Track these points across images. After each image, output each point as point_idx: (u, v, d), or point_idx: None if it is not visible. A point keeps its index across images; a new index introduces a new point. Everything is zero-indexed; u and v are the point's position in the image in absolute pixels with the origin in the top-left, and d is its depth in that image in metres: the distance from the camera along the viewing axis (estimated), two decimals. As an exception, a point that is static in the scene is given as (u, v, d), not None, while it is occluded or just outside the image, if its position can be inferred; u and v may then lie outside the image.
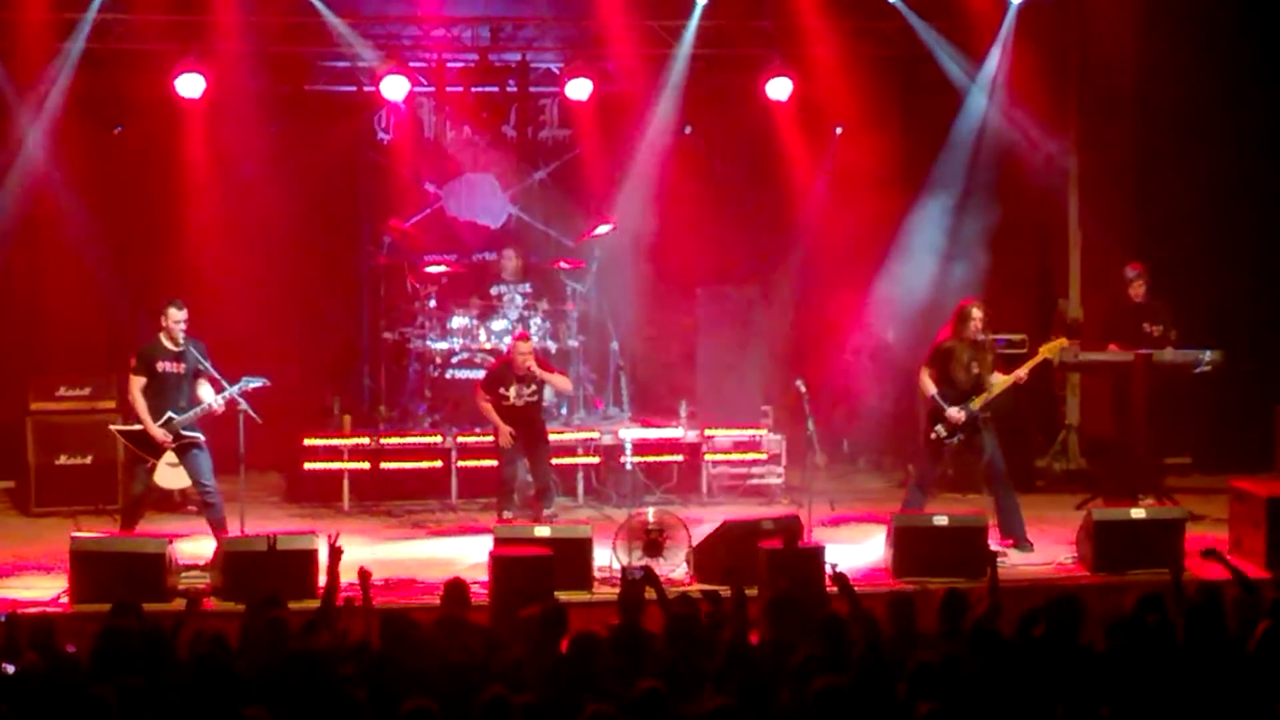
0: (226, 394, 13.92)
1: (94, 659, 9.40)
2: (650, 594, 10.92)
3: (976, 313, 14.64)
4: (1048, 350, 15.12)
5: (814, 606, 10.39)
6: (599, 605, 12.60)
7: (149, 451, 14.06)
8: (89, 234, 17.32)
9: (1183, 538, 14.08)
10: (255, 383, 14.05)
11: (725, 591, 10.88)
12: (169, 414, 13.97)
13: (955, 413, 14.60)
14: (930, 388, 14.77)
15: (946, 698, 8.34)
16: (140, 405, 14.05)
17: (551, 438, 16.74)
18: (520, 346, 15.27)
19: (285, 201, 17.62)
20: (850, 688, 8.24)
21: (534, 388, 15.30)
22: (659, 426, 17.37)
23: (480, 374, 17.13)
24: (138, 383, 14.09)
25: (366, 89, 18.12)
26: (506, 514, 15.08)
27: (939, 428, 14.71)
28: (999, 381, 14.67)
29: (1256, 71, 18.15)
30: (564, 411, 17.67)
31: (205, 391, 14.03)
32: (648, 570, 11.37)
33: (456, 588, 10.98)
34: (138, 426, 14.05)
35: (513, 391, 15.20)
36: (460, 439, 16.84)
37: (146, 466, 14.17)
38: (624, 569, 12.67)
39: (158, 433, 13.94)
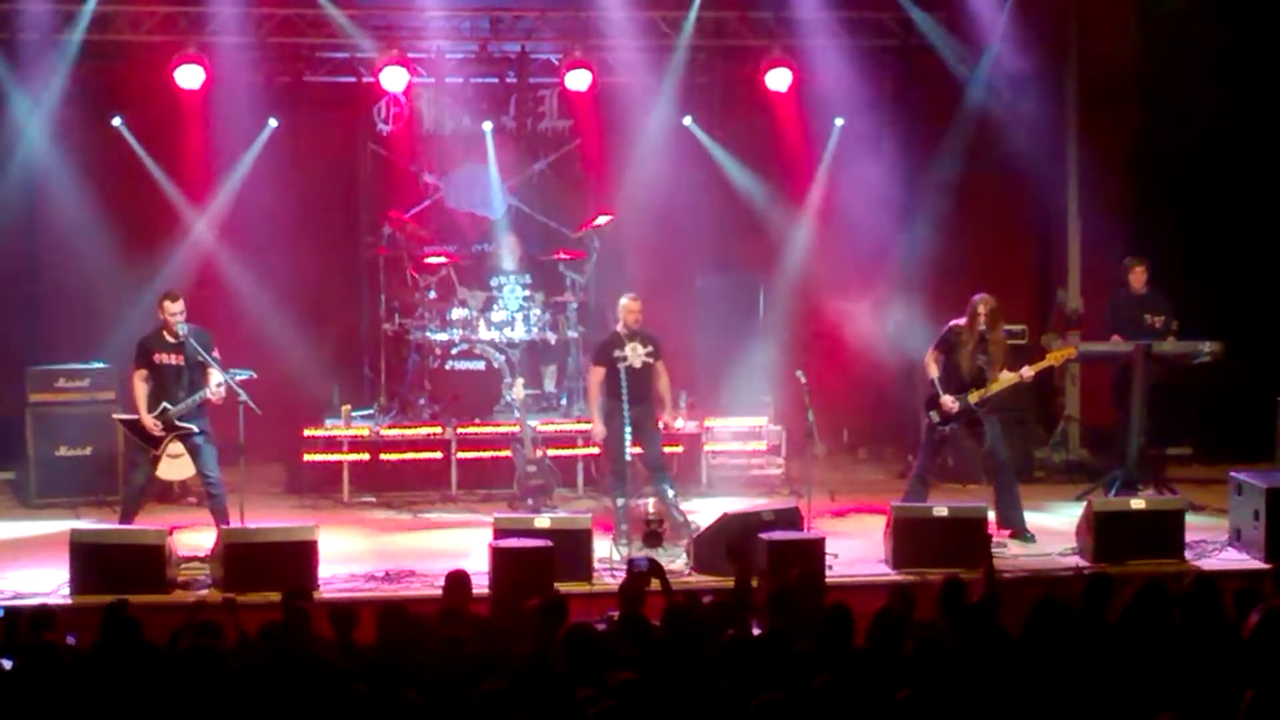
0: (219, 383, 13.92)
1: (96, 651, 9.43)
2: (654, 585, 10.95)
3: (980, 308, 14.65)
4: (1054, 358, 15.22)
5: (815, 599, 10.38)
6: (598, 596, 12.62)
7: (150, 441, 14.09)
8: (88, 225, 17.32)
9: (1182, 528, 14.12)
10: (240, 375, 14.07)
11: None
12: (164, 405, 14.01)
13: (949, 401, 14.63)
14: (933, 370, 14.81)
15: (935, 685, 8.36)
16: (139, 396, 14.08)
17: (550, 429, 16.79)
18: (630, 305, 14.99)
19: (285, 192, 17.62)
20: (851, 681, 8.24)
21: (651, 348, 14.97)
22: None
23: (479, 365, 17.16)
24: (139, 374, 14.12)
25: (366, 80, 18.13)
26: (620, 500, 14.64)
27: (932, 413, 14.76)
28: (1002, 379, 14.66)
29: (1256, 60, 18.12)
30: (564, 402, 17.68)
31: (212, 381, 14.03)
32: (653, 562, 11.38)
33: (458, 579, 10.99)
34: (137, 416, 14.08)
35: (628, 351, 14.89)
36: (460, 430, 16.84)
37: (150, 457, 14.18)
38: (630, 560, 12.69)
39: (149, 422, 13.96)
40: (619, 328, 15.05)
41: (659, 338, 15.21)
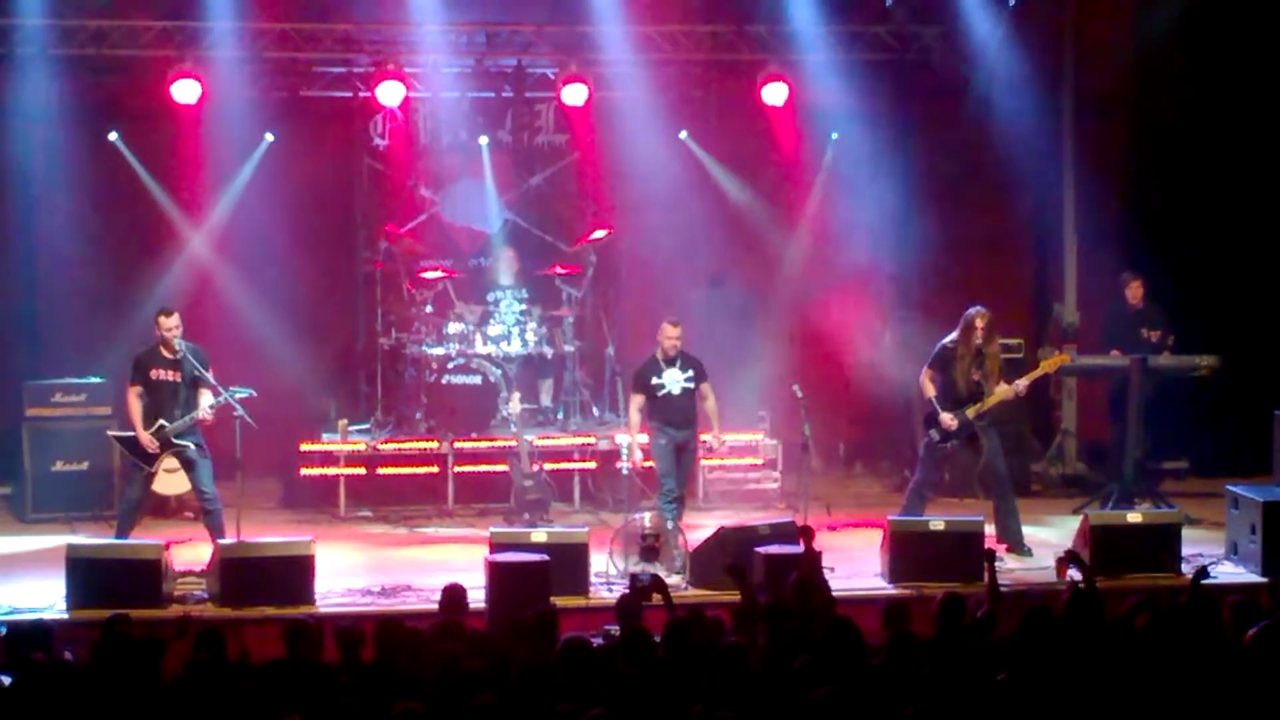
0: (212, 405, 13.93)
1: (91, 666, 9.41)
2: (654, 600, 10.94)
3: (978, 322, 14.65)
4: (1047, 365, 15.25)
5: (812, 612, 10.36)
6: (595, 610, 12.61)
7: (144, 458, 14.06)
8: (85, 239, 17.33)
9: (1179, 542, 14.12)
10: (241, 393, 14.04)
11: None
12: (161, 422, 13.97)
13: (948, 418, 14.63)
14: (929, 390, 14.81)
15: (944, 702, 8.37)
16: (134, 412, 14.04)
17: (547, 443, 16.78)
18: (669, 331, 14.67)
19: (281, 207, 17.62)
20: (850, 695, 8.24)
21: (690, 372, 14.69)
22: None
23: (475, 379, 17.16)
24: (134, 390, 14.09)
25: (362, 94, 18.13)
26: (669, 524, 14.27)
27: (932, 431, 14.77)
28: (998, 392, 14.67)
29: (1252, 72, 18.15)
30: (560, 417, 17.67)
31: (203, 399, 14.03)
32: (656, 577, 11.37)
33: (454, 593, 10.98)
34: (133, 433, 14.05)
35: (666, 377, 14.66)
36: (456, 444, 16.83)
37: (145, 473, 14.16)
38: (633, 575, 12.69)
39: (146, 439, 13.94)
40: (657, 353, 14.80)
41: (700, 360, 14.96)
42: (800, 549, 13.07)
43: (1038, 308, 19.12)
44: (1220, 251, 18.21)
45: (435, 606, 11.30)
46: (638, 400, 14.81)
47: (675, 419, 14.70)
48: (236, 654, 10.00)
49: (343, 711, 8.22)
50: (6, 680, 9.19)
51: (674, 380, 14.71)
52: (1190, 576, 10.76)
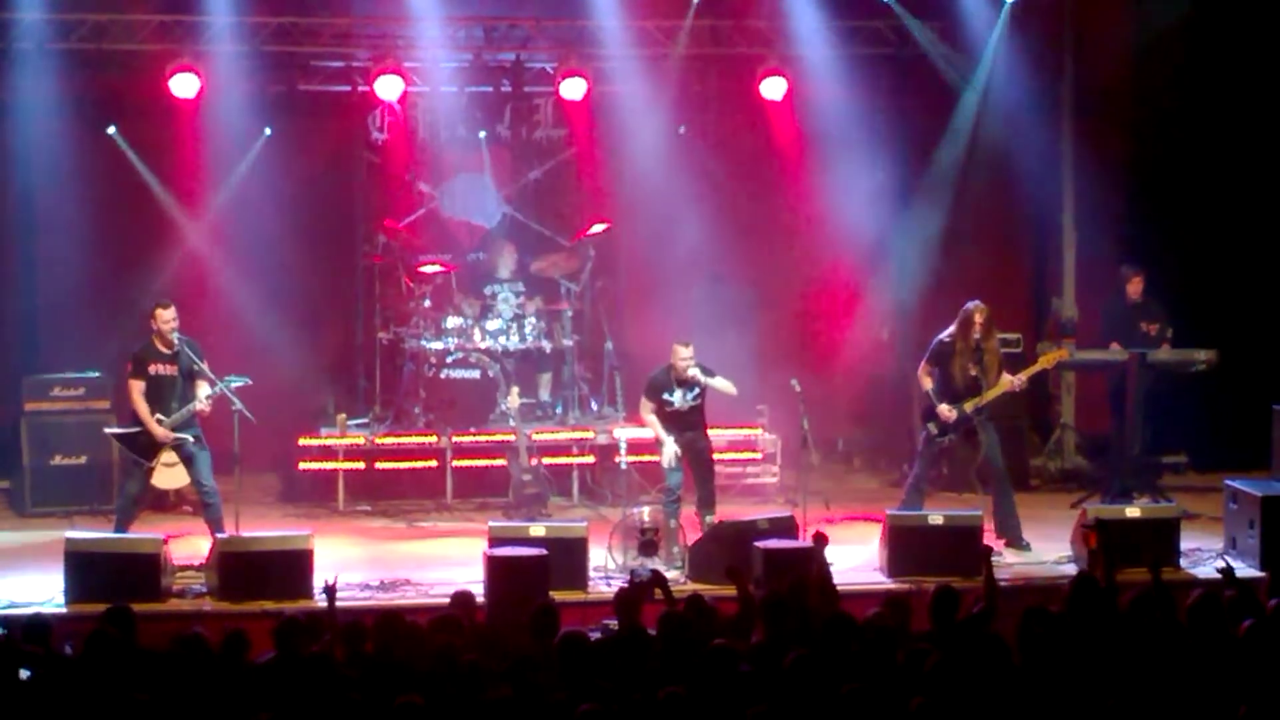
0: (209, 395, 13.91)
1: (82, 661, 9.42)
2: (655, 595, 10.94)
3: (977, 317, 14.65)
4: (1046, 361, 15.25)
5: (810, 607, 10.36)
6: (593, 605, 12.62)
7: (143, 454, 14.05)
8: (83, 234, 17.31)
9: (1178, 536, 14.12)
10: (237, 382, 14.04)
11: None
12: (159, 416, 13.96)
13: (946, 411, 14.64)
14: (927, 384, 14.83)
15: (940, 695, 8.37)
16: (142, 408, 14.00)
17: (546, 437, 16.80)
18: (680, 352, 14.63)
19: (279, 201, 17.61)
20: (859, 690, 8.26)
21: (697, 391, 14.73)
22: (654, 426, 17.34)
23: (474, 374, 17.17)
24: (137, 386, 14.03)
25: (361, 89, 18.11)
26: (672, 523, 14.41)
27: (930, 425, 14.79)
28: (998, 385, 14.67)
29: (1250, 68, 18.14)
30: (559, 411, 17.68)
31: (200, 392, 14.02)
32: (656, 573, 11.37)
33: (464, 599, 10.95)
34: (133, 429, 14.03)
35: (676, 396, 14.68)
36: (455, 438, 16.84)
37: (144, 468, 14.15)
38: (632, 571, 12.67)
39: (161, 432, 13.91)
40: (672, 370, 14.73)
41: (707, 371, 14.77)
42: (800, 544, 13.16)
43: (1036, 302, 19.12)
44: (1219, 246, 18.20)
45: (434, 600, 11.31)
46: (650, 406, 14.79)
47: (680, 425, 14.71)
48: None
49: (349, 706, 8.23)
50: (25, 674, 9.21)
51: (682, 398, 14.71)
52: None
